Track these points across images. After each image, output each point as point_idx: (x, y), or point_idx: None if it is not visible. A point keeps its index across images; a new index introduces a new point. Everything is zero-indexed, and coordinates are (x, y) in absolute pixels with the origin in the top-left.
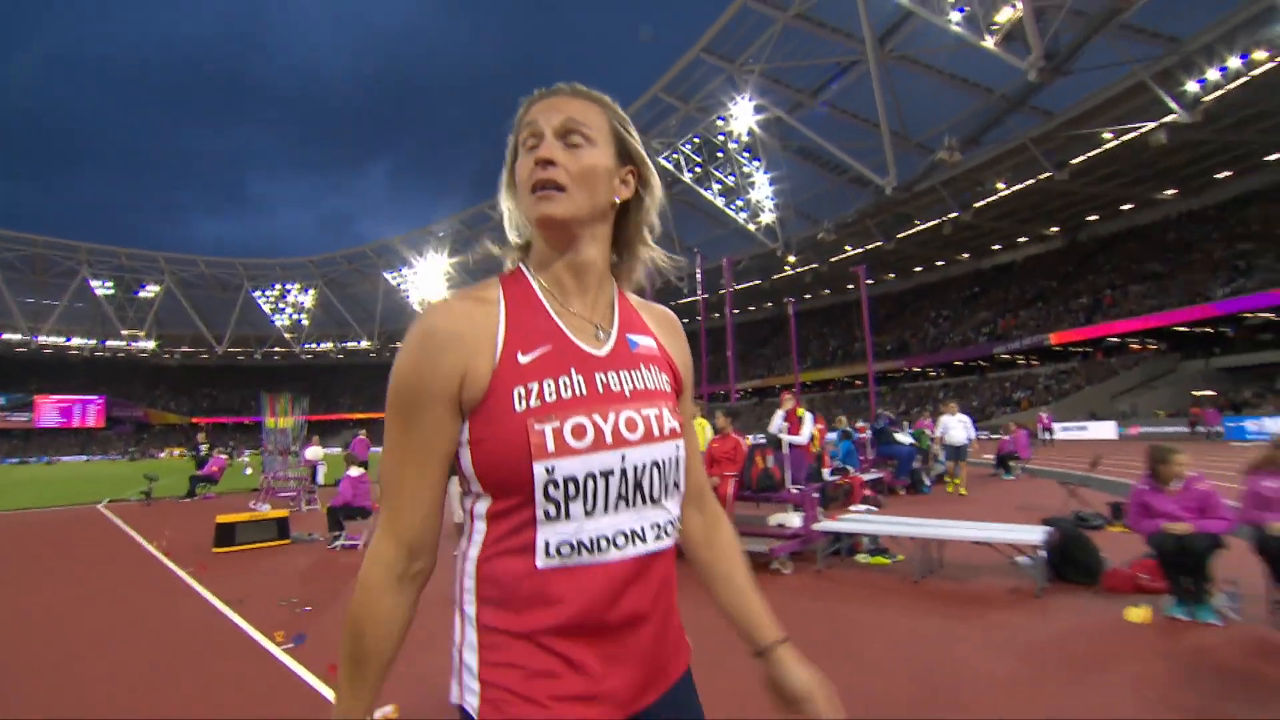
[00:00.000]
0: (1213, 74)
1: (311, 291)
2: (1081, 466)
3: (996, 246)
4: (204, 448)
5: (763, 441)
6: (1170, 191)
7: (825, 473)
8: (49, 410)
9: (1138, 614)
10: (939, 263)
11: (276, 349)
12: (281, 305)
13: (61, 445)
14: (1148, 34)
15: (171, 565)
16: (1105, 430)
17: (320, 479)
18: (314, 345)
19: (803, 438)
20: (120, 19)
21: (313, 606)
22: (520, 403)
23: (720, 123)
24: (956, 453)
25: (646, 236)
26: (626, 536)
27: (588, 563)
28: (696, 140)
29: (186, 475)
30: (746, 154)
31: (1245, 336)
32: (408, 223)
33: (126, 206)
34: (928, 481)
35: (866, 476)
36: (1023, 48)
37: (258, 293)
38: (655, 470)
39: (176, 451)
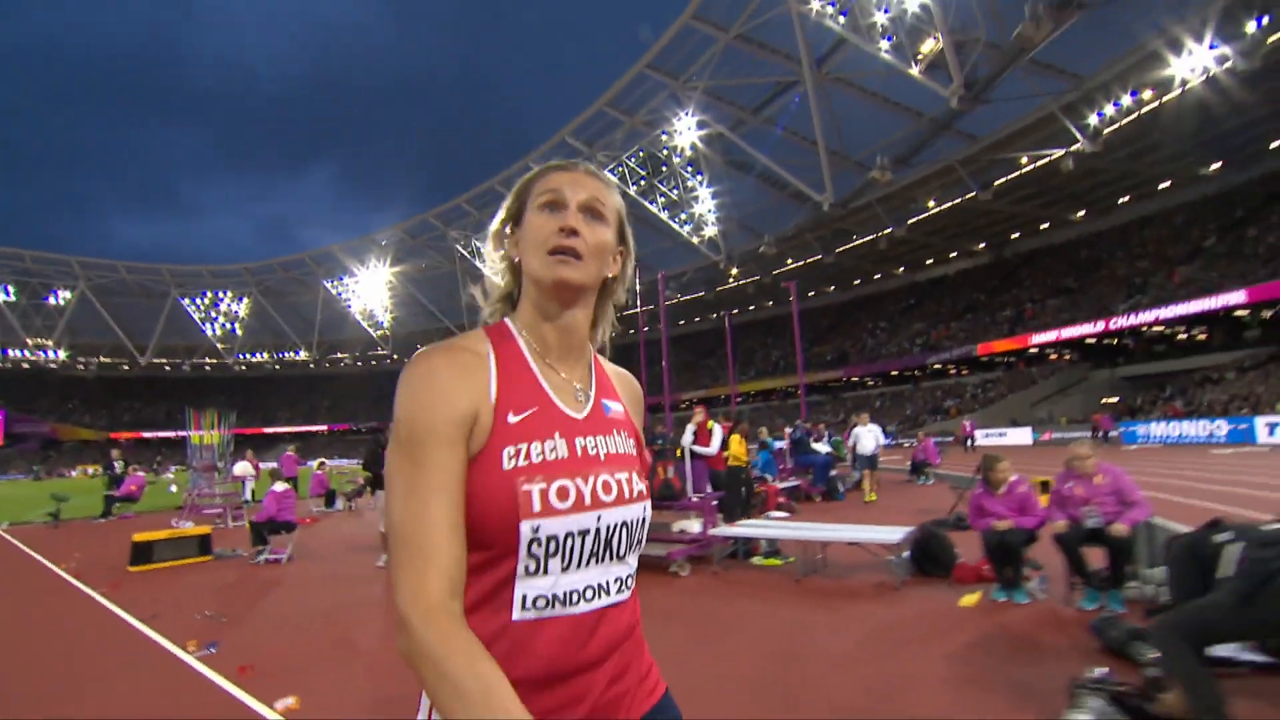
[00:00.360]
0: (1109, 109)
1: (245, 300)
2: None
3: (930, 261)
4: (119, 465)
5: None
6: (1080, 213)
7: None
8: None
9: (970, 599)
10: (876, 276)
11: (208, 360)
12: (213, 314)
13: None
14: (1055, 70)
15: (82, 586)
16: (1022, 436)
17: (249, 495)
18: (248, 356)
19: (711, 449)
20: (30, 8)
21: (228, 618)
22: (509, 461)
23: (664, 137)
24: (867, 461)
25: (613, 308)
26: (595, 590)
27: (559, 614)
28: (641, 154)
29: (100, 495)
30: (689, 168)
31: (1143, 348)
32: (351, 230)
33: (37, 207)
34: (842, 489)
35: (782, 485)
36: (946, 76)
37: (186, 300)
38: (624, 530)
39: (90, 470)
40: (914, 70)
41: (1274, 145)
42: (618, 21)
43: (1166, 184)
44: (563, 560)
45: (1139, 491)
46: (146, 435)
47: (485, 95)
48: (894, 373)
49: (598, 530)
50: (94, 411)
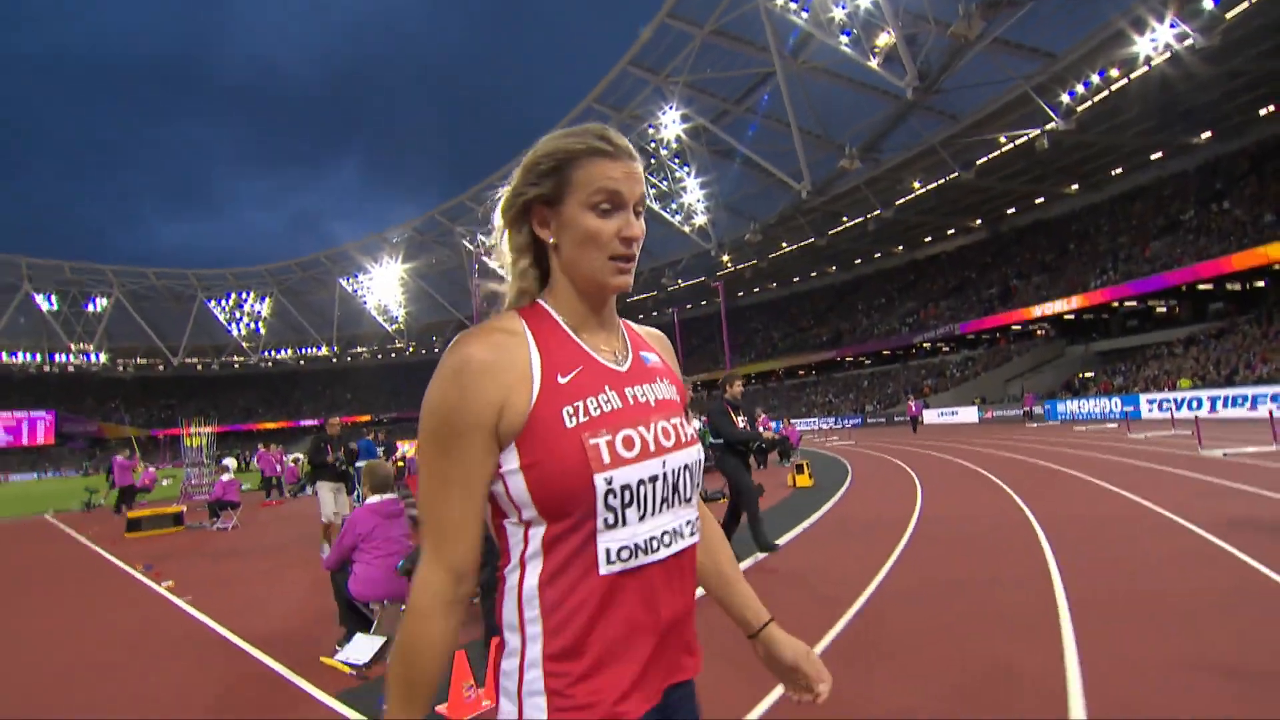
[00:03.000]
0: (1080, 88)
1: (268, 300)
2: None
3: (928, 239)
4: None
5: None
6: (1074, 187)
7: None
8: None
9: None
10: (876, 255)
11: (235, 358)
12: (238, 314)
13: (11, 463)
14: (1026, 49)
15: (94, 546)
16: (970, 415)
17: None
18: (273, 353)
19: None
20: (68, 9)
21: (171, 557)
22: (570, 420)
23: (651, 130)
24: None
25: None
26: (670, 534)
27: (643, 563)
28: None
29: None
30: (676, 160)
31: (1119, 323)
32: (380, 221)
33: (77, 209)
34: None
35: None
36: (903, 68)
37: (212, 303)
38: (686, 473)
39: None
40: (872, 63)
41: (1263, 112)
42: (606, 19)
43: (1158, 155)
44: (638, 509)
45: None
46: (203, 430)
47: (503, 89)
48: (885, 352)
49: (664, 475)
50: (134, 410)
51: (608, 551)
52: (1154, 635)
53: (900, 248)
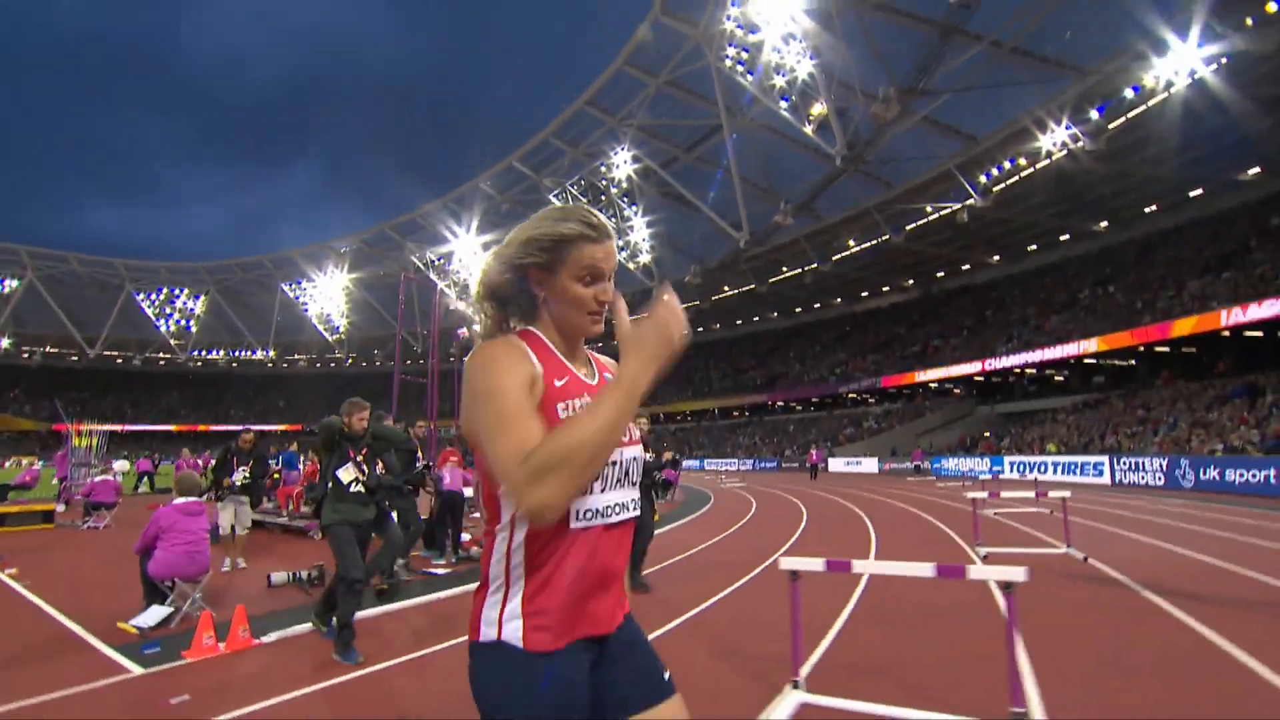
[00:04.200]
0: (994, 170)
1: (203, 298)
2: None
3: (864, 294)
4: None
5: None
6: (995, 258)
7: None
8: None
9: None
10: (816, 305)
11: (161, 355)
12: (168, 310)
13: None
14: (953, 131)
15: None
16: (871, 465)
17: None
18: (203, 353)
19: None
20: None
21: (29, 551)
22: (563, 413)
23: (603, 169)
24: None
25: None
26: (620, 506)
27: (599, 524)
28: (583, 182)
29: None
30: (625, 199)
31: (1022, 388)
32: (328, 230)
33: (5, 187)
34: None
35: None
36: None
37: (141, 295)
38: (634, 463)
39: (23, 460)
40: (807, 129)
41: (1147, 210)
42: (568, 46)
43: (1066, 237)
44: (601, 483)
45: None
46: (95, 429)
47: (462, 106)
48: (813, 399)
49: (620, 462)
50: (36, 402)
51: (576, 512)
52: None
53: (839, 300)
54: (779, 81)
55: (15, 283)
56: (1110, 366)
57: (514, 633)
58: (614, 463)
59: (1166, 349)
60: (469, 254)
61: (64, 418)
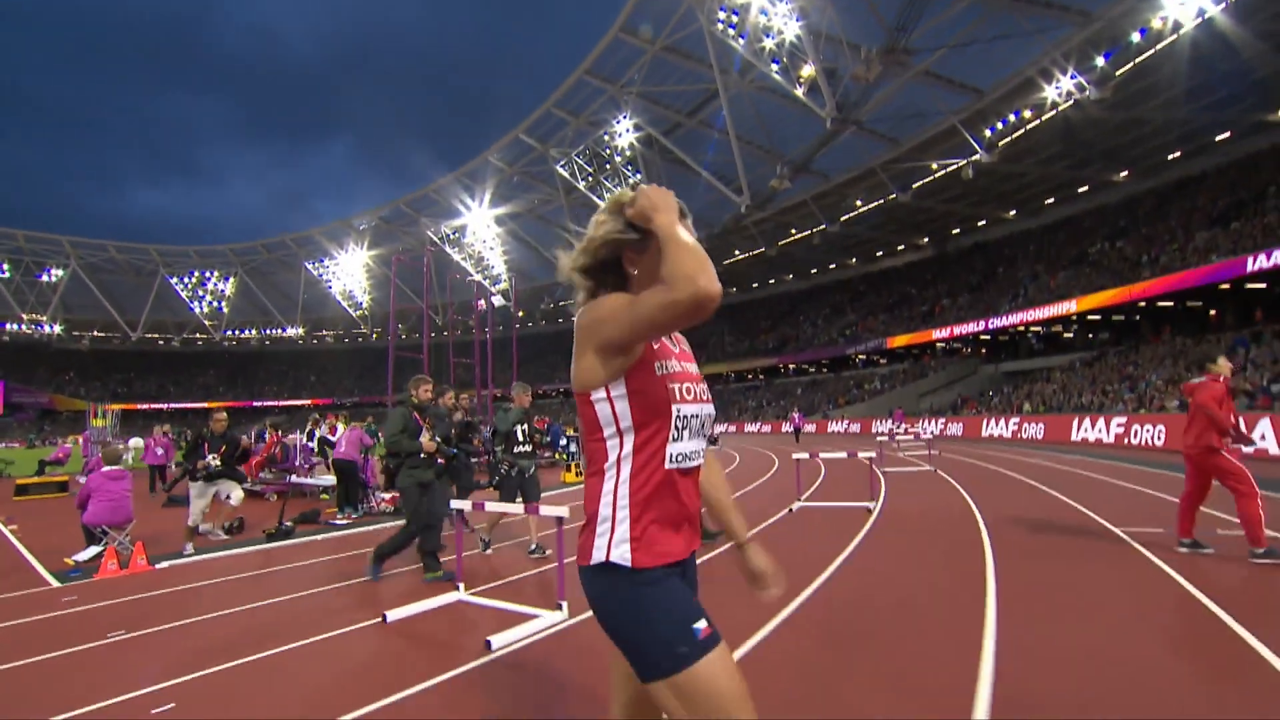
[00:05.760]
0: (999, 124)
1: (232, 279)
2: None
3: (879, 253)
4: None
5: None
6: (1011, 213)
7: None
8: None
9: None
10: (831, 266)
11: (198, 335)
12: (200, 292)
13: None
14: (956, 84)
15: None
16: (857, 427)
17: (130, 459)
18: (237, 333)
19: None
20: None
21: (38, 514)
22: (660, 370)
23: (606, 137)
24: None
25: None
26: (696, 453)
27: (687, 466)
28: (588, 151)
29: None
30: (629, 167)
31: (1027, 346)
32: (362, 204)
33: (51, 172)
34: None
35: None
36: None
37: (174, 279)
38: (709, 418)
39: (78, 439)
40: (798, 91)
41: (1170, 157)
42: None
43: (1084, 189)
44: (689, 432)
45: None
46: (141, 406)
47: (485, 78)
48: (824, 361)
49: (700, 415)
50: (89, 383)
51: (670, 454)
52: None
53: (854, 260)
54: (768, 44)
55: (60, 272)
56: (1118, 323)
57: (623, 556)
58: (694, 416)
59: (1170, 304)
60: (482, 226)
61: (111, 399)
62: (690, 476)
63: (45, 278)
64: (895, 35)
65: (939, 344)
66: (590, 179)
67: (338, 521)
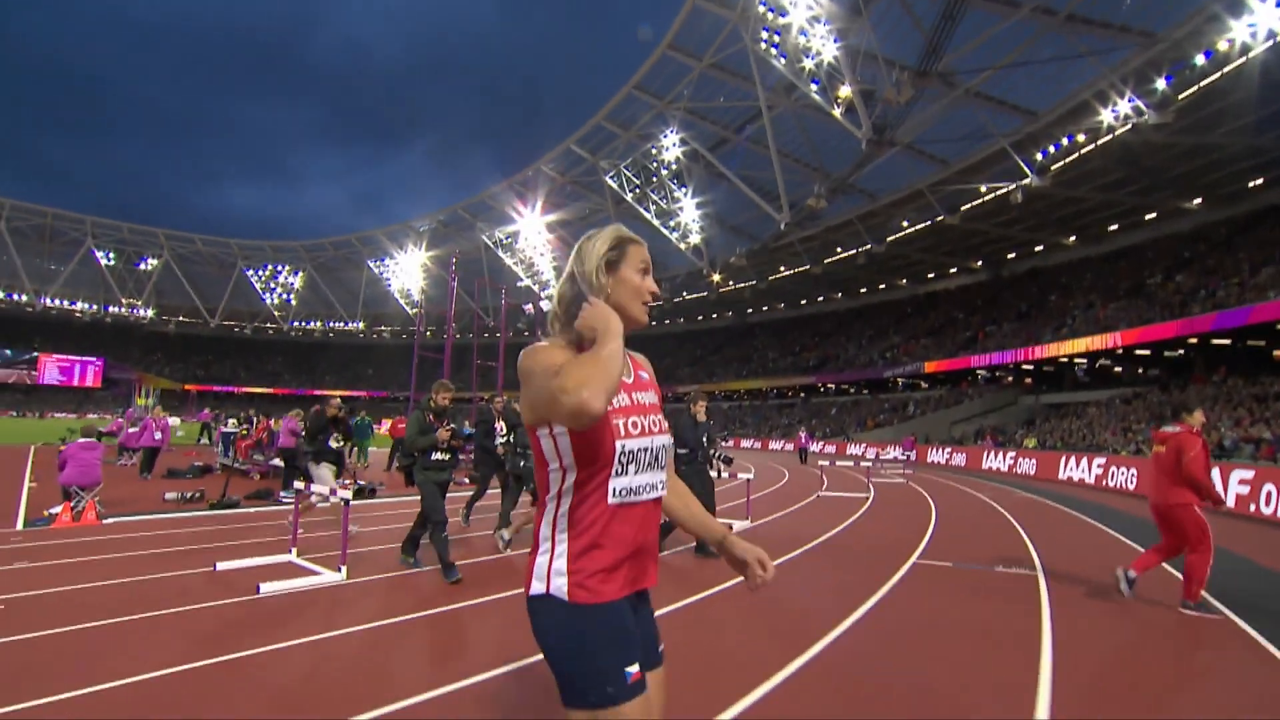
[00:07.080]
0: (1052, 148)
1: (300, 274)
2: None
3: (931, 275)
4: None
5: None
6: (1072, 239)
7: None
8: (51, 368)
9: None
10: (881, 286)
11: (269, 324)
12: (272, 284)
13: (60, 402)
14: (1008, 106)
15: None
16: (872, 452)
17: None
18: (303, 324)
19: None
20: None
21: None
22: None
23: (653, 151)
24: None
25: None
26: (649, 486)
27: (633, 501)
28: (635, 164)
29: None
30: (675, 181)
31: (1072, 377)
32: (437, 205)
33: (154, 173)
34: None
35: None
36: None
37: (250, 271)
38: (664, 449)
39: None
40: (835, 111)
41: (1251, 185)
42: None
43: (1153, 215)
44: (635, 466)
45: None
46: (216, 389)
47: (550, 89)
48: (862, 382)
49: (651, 448)
50: (174, 364)
51: (614, 489)
52: None
53: (904, 281)
54: (808, 64)
55: (155, 261)
56: (1170, 359)
57: (560, 588)
58: (643, 450)
59: (1227, 340)
60: (533, 233)
61: (191, 380)
62: (640, 508)
63: (143, 266)
64: (927, 59)
65: (979, 371)
66: (638, 191)
67: (283, 497)
